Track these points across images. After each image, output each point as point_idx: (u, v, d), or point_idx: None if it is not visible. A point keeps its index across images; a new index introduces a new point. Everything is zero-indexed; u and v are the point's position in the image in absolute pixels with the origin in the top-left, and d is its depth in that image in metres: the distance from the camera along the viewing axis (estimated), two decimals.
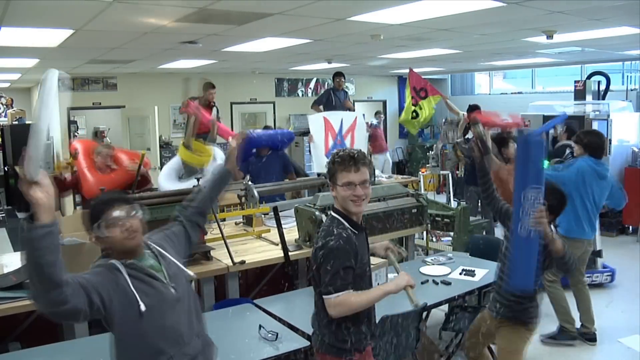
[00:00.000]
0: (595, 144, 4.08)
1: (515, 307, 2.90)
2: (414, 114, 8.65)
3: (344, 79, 7.63)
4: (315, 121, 6.09)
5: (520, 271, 2.64)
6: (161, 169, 6.20)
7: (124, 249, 1.91)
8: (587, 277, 4.69)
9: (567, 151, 7.32)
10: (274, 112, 10.70)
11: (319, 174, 6.02)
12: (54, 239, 1.62)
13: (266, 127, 7.77)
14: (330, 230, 2.15)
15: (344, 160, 2.17)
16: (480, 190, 3.28)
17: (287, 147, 6.41)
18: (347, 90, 7.76)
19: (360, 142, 6.52)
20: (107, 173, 4.48)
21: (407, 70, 9.02)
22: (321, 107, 7.38)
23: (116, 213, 1.90)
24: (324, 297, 2.10)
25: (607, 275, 5.34)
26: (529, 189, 2.53)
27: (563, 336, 4.11)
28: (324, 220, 3.68)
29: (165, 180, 4.76)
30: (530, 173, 2.58)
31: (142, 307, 1.86)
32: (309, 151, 6.78)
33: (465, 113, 7.59)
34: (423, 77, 7.51)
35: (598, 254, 5.35)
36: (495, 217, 3.26)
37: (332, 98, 7.41)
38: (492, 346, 3.45)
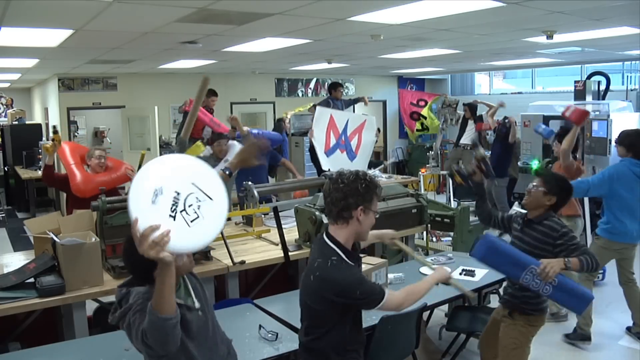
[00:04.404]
0: (639, 144, 4.01)
1: (516, 293, 2.91)
2: (422, 125, 8.71)
3: (342, 88, 7.69)
4: (322, 115, 6.04)
5: (575, 301, 2.78)
6: None
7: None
8: None
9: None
10: (274, 112, 10.68)
11: (319, 173, 6.00)
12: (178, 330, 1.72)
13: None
14: (331, 263, 2.05)
15: (379, 189, 2.11)
16: (475, 210, 3.29)
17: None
18: (344, 98, 7.83)
19: (366, 146, 6.44)
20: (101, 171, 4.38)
21: (407, 70, 9.03)
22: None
23: None
24: (382, 304, 2.06)
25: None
26: (522, 279, 2.66)
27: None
28: (324, 221, 3.70)
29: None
30: (512, 271, 2.73)
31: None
32: (309, 150, 6.74)
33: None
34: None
35: None
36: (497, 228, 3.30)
37: (331, 106, 7.44)
38: None
